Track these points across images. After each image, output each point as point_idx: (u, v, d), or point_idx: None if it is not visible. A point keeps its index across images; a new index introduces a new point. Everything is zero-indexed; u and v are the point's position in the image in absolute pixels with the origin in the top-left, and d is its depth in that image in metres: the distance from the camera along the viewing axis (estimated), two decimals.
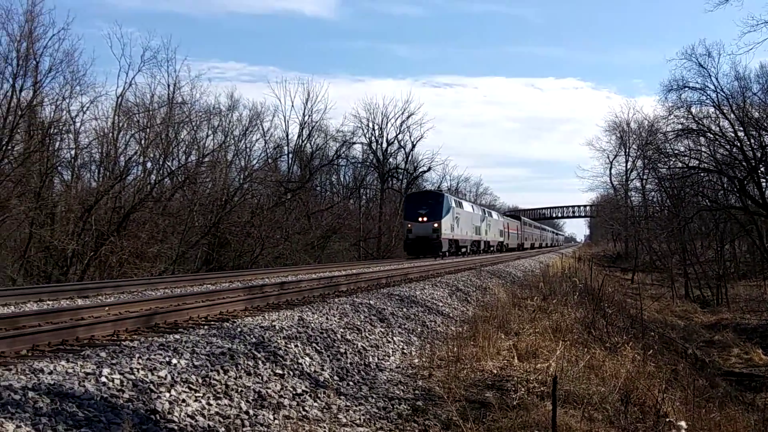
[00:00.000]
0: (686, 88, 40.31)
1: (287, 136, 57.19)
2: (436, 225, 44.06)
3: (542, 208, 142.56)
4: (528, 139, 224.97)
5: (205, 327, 10.55)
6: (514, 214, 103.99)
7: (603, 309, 19.79)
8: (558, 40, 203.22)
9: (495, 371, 11.07)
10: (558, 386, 8.03)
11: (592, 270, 36.30)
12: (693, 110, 41.52)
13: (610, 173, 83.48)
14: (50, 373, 6.79)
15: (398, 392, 9.45)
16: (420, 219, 44.41)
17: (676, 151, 44.88)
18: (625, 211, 70.46)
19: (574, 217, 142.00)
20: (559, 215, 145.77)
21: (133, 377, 7.04)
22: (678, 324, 32.17)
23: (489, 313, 16.51)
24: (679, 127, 42.51)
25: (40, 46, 31.84)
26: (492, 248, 64.72)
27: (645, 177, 66.12)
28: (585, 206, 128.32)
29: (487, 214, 63.19)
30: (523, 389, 9.72)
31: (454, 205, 48.37)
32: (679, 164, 44.62)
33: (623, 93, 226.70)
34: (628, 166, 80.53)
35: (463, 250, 51.58)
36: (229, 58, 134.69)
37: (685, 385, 12.80)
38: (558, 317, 16.40)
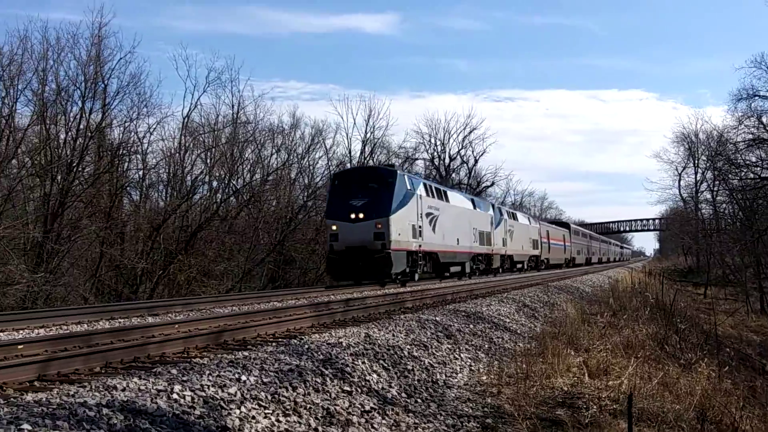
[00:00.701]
0: (756, 97, 39.39)
1: (350, 153, 57.45)
2: (379, 226, 26.50)
3: (609, 222, 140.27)
4: (592, 152, 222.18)
5: (273, 344, 10.59)
6: (559, 221, 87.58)
7: (675, 324, 19.32)
8: (621, 51, 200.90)
9: (565, 388, 10.87)
10: (632, 404, 7.82)
11: (663, 284, 35.51)
12: (764, 119, 40.50)
13: (679, 185, 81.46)
14: (123, 389, 6.87)
15: (467, 410, 9.34)
16: (352, 216, 26.86)
17: (748, 162, 43.77)
18: (695, 224, 68.83)
19: (642, 230, 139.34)
20: (627, 229, 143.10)
21: (203, 394, 7.09)
22: (754, 340, 31.20)
23: (557, 329, 16.26)
24: (750, 137, 41.50)
25: (108, 69, 32.79)
26: (520, 266, 49.45)
27: (716, 189, 64.37)
28: (654, 219, 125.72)
29: (505, 216, 46.31)
30: (595, 407, 9.51)
31: (421, 191, 30.11)
32: (751, 175, 43.48)
33: (690, 103, 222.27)
34: (698, 178, 78.45)
35: (454, 269, 34.43)
36: (291, 77, 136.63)
37: (764, 402, 12.39)
38: (629, 333, 16.05)
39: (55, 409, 5.88)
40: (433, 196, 31.66)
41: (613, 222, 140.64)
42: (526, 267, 50.95)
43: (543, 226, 61.83)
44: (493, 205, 45.31)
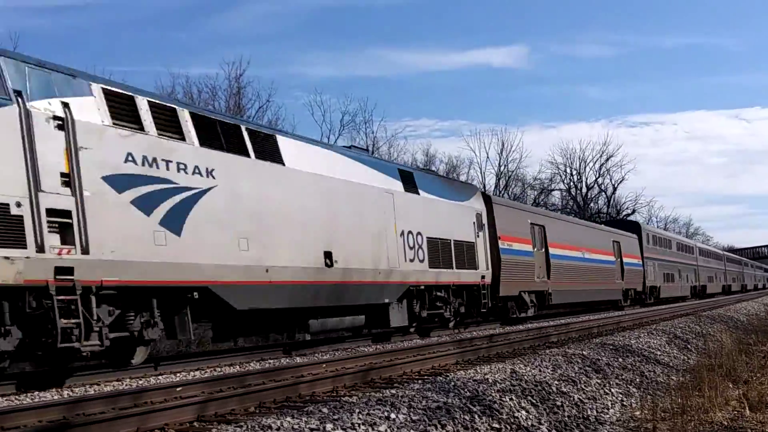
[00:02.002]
0: None
1: (484, 187, 57.35)
2: None
3: (761, 246, 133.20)
4: (737, 173, 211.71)
5: (419, 381, 10.63)
6: (623, 220, 60.60)
7: None
8: (762, 67, 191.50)
9: (725, 423, 10.34)
10: None
11: None
12: None
13: None
14: (278, 429, 7.07)
15: None
16: None
17: None
18: None
19: None
20: None
21: None
22: None
23: (713, 361, 15.52)
24: None
25: (247, 118, 34.15)
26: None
27: None
28: None
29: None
30: None
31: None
32: None
33: None
34: None
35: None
36: (421, 115, 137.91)
37: None
38: None
39: None
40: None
41: (765, 246, 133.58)
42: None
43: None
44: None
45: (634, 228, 46.66)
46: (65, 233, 10.87)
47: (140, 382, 12.16)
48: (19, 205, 10.17)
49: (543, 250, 29.65)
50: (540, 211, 35.97)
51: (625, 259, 41.39)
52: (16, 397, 10.63)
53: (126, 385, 11.84)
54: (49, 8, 72.77)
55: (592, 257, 35.64)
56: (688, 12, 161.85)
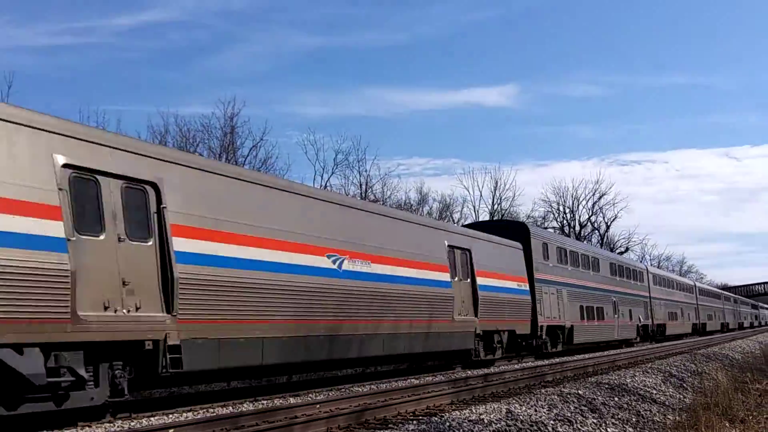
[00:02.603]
0: None
1: None
2: None
3: (756, 284, 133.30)
4: (729, 211, 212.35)
5: (414, 422, 10.54)
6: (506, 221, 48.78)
7: None
8: (752, 106, 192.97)
9: None
10: None
11: None
12: None
13: None
14: None
15: None
16: None
17: None
18: None
19: None
20: None
21: None
22: None
23: (709, 400, 15.46)
24: None
25: (240, 155, 34.30)
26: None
27: None
28: None
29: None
30: None
31: None
32: None
33: None
34: None
35: None
36: (414, 154, 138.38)
37: None
38: None
39: None
40: None
41: (760, 284, 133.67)
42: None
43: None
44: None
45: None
46: None
47: (132, 423, 12.02)
48: None
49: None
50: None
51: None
52: None
53: (118, 427, 11.70)
54: (43, 48, 73.13)
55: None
56: (679, 51, 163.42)
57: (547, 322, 30.25)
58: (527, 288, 28.14)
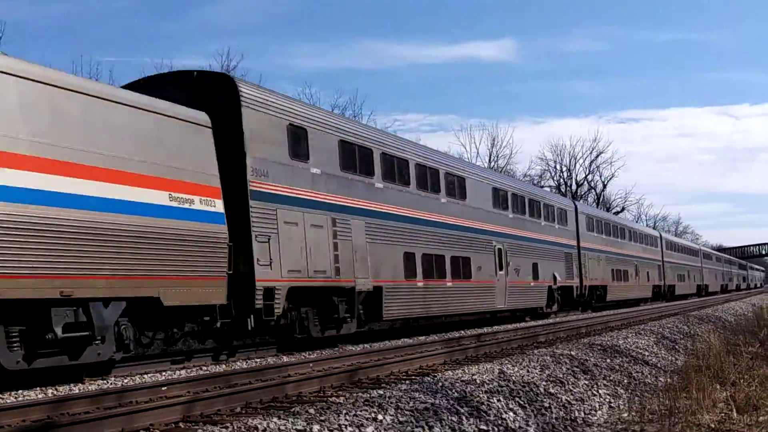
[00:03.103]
0: None
1: None
2: None
3: (750, 245, 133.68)
4: (726, 171, 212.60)
5: (407, 382, 10.59)
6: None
7: None
8: (752, 63, 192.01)
9: (713, 425, 10.33)
10: None
11: None
12: None
13: None
14: (264, 430, 7.00)
15: None
16: None
17: None
18: None
19: None
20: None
21: None
22: None
23: (701, 362, 15.54)
24: None
25: None
26: None
27: None
28: None
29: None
30: None
31: None
32: None
33: None
34: None
35: None
36: (410, 110, 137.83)
37: None
38: None
39: None
40: None
41: (754, 245, 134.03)
42: None
43: None
44: None
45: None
46: None
47: (125, 381, 12.07)
48: None
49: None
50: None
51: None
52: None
53: (111, 384, 11.75)
54: None
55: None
56: (680, 8, 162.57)
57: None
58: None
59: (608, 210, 70.10)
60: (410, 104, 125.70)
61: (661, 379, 14.35)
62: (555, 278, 32.69)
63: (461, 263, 24.10)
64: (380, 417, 7.91)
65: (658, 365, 15.96)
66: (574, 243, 36.31)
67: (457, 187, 24.92)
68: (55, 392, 10.86)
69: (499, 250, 27.35)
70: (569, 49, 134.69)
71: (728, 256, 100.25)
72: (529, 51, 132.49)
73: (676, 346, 19.36)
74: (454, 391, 9.70)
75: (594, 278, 38.20)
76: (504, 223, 28.34)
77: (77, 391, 10.74)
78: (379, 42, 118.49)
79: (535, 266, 30.42)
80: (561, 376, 12.27)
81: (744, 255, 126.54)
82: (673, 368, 15.84)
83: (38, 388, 11.16)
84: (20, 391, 10.88)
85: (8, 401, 9.90)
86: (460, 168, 26.32)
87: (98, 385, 11.61)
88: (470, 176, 26.27)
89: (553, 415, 10.11)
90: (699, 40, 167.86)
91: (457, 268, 23.81)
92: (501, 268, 27.23)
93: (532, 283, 30.21)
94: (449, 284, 23.15)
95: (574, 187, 72.31)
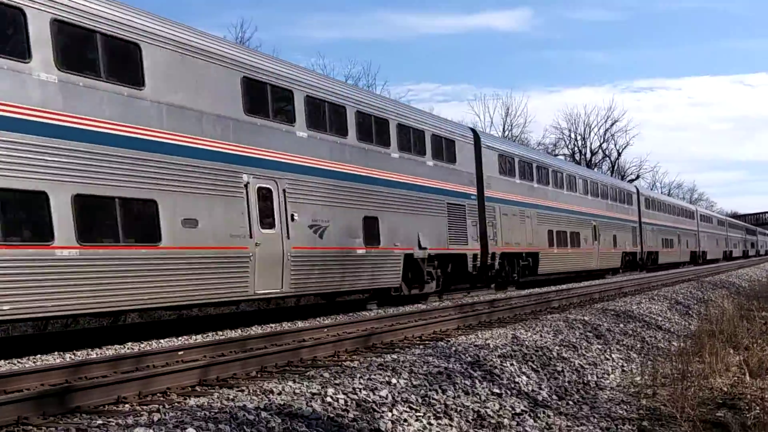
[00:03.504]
0: None
1: None
2: None
3: (765, 212, 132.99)
4: (741, 140, 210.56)
5: (420, 346, 10.66)
6: None
7: None
8: (767, 32, 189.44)
9: (725, 389, 10.39)
10: None
11: None
12: None
13: None
14: (279, 393, 7.09)
15: (621, 412, 9.09)
16: None
17: None
18: None
19: None
20: None
21: (356, 397, 7.21)
22: None
23: (714, 327, 15.55)
24: None
25: None
26: None
27: None
28: None
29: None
30: (757, 408, 9.04)
31: None
32: None
33: None
34: None
35: None
36: (423, 80, 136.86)
37: None
38: None
39: (217, 413, 6.13)
40: None
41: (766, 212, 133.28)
42: None
43: None
44: None
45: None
46: None
47: (141, 346, 12.20)
48: None
49: None
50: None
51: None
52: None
53: (128, 349, 11.88)
54: None
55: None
56: None
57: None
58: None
59: (623, 178, 69.78)
60: (423, 74, 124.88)
61: (674, 343, 14.38)
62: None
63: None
64: (394, 381, 7.97)
65: (671, 330, 15.99)
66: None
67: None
68: (72, 357, 10.99)
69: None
70: (583, 18, 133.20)
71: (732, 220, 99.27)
72: (544, 20, 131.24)
73: (690, 312, 19.37)
74: (467, 355, 9.76)
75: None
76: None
77: (95, 356, 10.87)
78: (393, 12, 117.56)
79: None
80: (574, 340, 12.31)
81: (758, 222, 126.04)
82: (686, 333, 15.87)
83: (56, 353, 11.30)
84: (38, 356, 11.02)
85: (27, 365, 10.05)
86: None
87: (115, 350, 11.74)
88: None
89: (566, 379, 10.17)
90: (715, 9, 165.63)
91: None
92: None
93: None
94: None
95: (588, 155, 71.96)
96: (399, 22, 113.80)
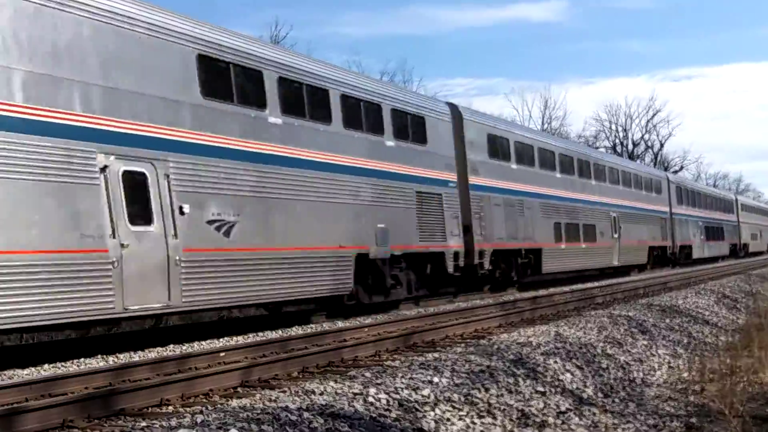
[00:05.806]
0: None
1: None
2: None
3: None
4: None
5: (462, 345, 10.57)
6: None
7: None
8: None
9: None
10: None
11: None
12: None
13: None
14: (321, 393, 7.06)
15: (669, 409, 8.91)
16: None
17: None
18: None
19: None
20: None
21: (398, 396, 7.15)
22: None
23: (763, 321, 15.23)
24: None
25: None
26: None
27: None
28: None
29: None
30: None
31: None
32: None
33: None
34: None
35: None
36: (456, 75, 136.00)
37: None
38: None
39: (259, 414, 6.11)
40: None
41: None
42: None
43: None
44: None
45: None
46: None
47: (183, 348, 12.27)
48: None
49: None
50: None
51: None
52: (62, 364, 10.78)
53: (170, 351, 11.95)
54: None
55: None
56: None
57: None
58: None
59: (666, 169, 68.85)
60: (456, 69, 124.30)
61: (721, 338, 14.11)
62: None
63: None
64: (436, 379, 7.90)
65: (719, 324, 15.70)
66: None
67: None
68: (115, 360, 11.09)
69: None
70: (620, 7, 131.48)
71: None
72: (580, 10, 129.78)
73: (737, 305, 19.02)
74: (509, 353, 9.65)
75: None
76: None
77: (137, 359, 10.94)
78: (426, 7, 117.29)
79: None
80: (619, 337, 12.13)
81: None
82: (734, 327, 15.57)
83: (99, 356, 11.40)
84: (82, 359, 11.13)
85: (71, 369, 10.14)
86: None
87: (158, 352, 11.82)
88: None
89: (611, 376, 10.01)
90: None
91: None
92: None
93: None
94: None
95: (630, 146, 71.12)
96: (433, 17, 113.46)
